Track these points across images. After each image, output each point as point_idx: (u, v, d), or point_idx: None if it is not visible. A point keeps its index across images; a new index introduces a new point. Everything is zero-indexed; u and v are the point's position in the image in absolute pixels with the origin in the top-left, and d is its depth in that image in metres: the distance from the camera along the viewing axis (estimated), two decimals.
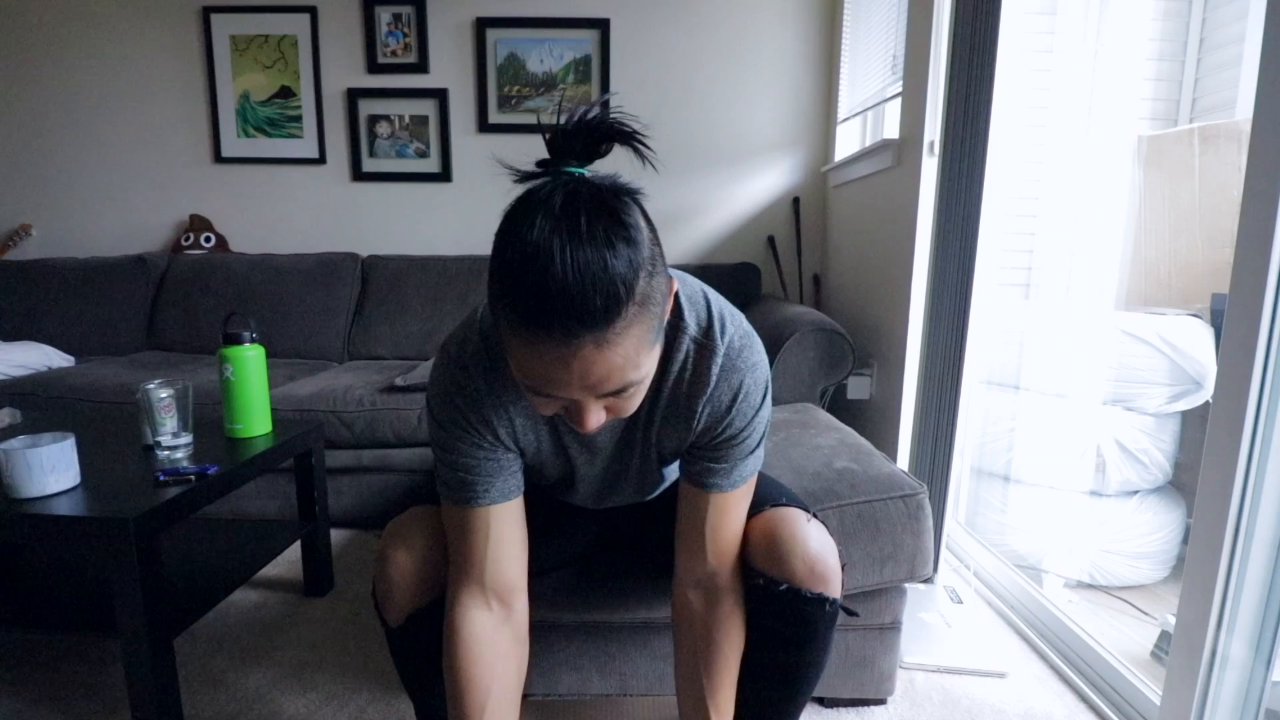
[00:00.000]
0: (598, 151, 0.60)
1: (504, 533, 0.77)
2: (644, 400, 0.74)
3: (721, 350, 0.73)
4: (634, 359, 0.58)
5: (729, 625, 0.85)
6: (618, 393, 0.60)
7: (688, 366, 0.74)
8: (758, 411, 0.76)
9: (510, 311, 0.56)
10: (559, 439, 0.80)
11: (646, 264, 0.57)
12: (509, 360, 0.60)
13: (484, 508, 0.76)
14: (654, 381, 0.75)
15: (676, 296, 0.74)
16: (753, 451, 0.79)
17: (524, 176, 0.59)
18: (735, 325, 0.76)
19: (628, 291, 0.55)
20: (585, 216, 0.55)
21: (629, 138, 0.60)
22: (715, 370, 0.73)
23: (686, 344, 0.73)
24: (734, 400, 0.74)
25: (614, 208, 0.56)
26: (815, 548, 0.82)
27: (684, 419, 0.76)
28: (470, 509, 0.76)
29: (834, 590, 0.83)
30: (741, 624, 0.85)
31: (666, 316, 0.63)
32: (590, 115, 0.59)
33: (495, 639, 0.79)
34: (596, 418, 0.62)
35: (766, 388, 0.77)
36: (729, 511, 0.81)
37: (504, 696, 0.79)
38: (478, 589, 0.78)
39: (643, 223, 0.58)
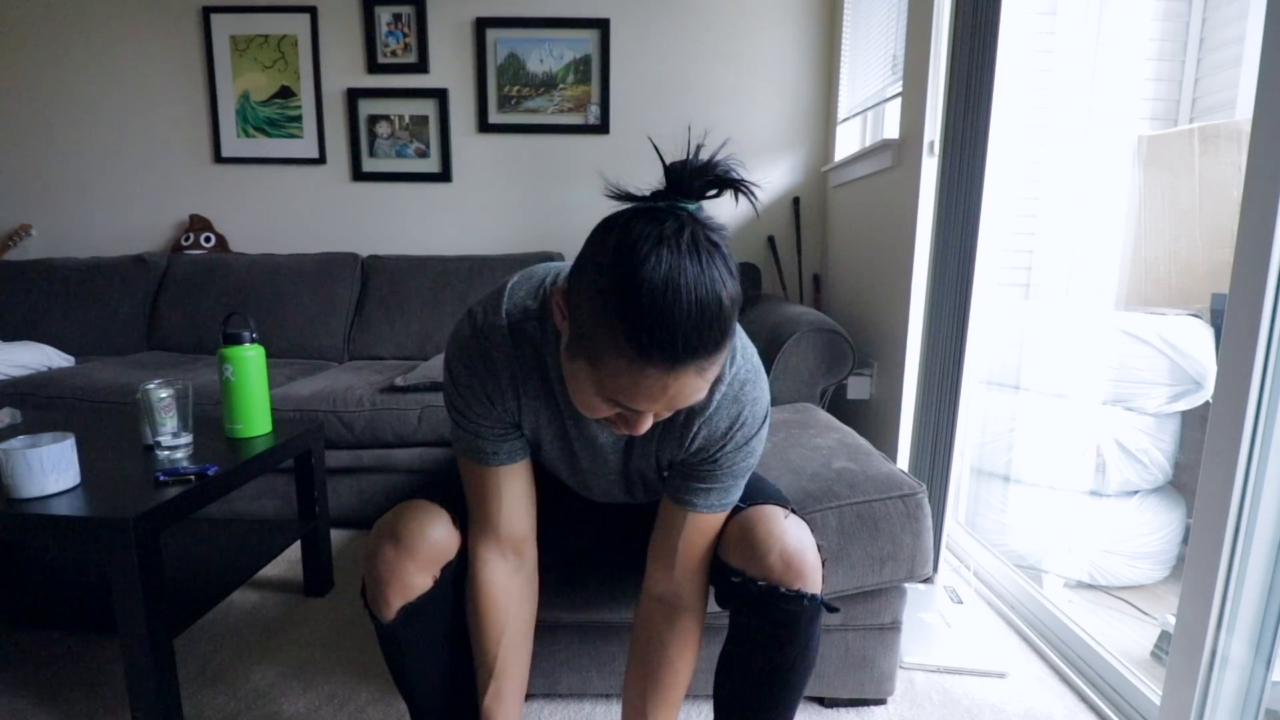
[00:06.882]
0: (708, 193, 0.64)
1: (515, 488, 0.85)
2: None
3: (727, 379, 0.77)
4: (711, 379, 0.64)
5: (684, 643, 0.88)
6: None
7: None
8: (750, 442, 0.81)
9: (625, 338, 0.59)
10: (564, 433, 0.84)
11: (739, 299, 0.63)
12: (587, 372, 0.64)
13: (496, 468, 0.83)
14: None
15: None
16: (736, 481, 0.83)
17: (629, 197, 0.64)
18: (745, 359, 0.79)
19: (731, 327, 0.61)
20: (706, 257, 0.59)
21: (739, 184, 0.64)
22: (717, 396, 0.77)
23: None
24: (730, 428, 0.79)
25: (724, 250, 0.61)
26: (792, 543, 0.81)
27: (679, 434, 0.80)
28: (485, 468, 0.84)
29: (813, 585, 0.81)
30: (696, 645, 0.89)
31: None
32: (714, 159, 0.63)
33: (510, 585, 0.88)
34: (646, 425, 0.67)
35: (763, 424, 0.81)
36: (702, 532, 0.85)
37: (517, 631, 0.90)
38: (494, 541, 0.87)
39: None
